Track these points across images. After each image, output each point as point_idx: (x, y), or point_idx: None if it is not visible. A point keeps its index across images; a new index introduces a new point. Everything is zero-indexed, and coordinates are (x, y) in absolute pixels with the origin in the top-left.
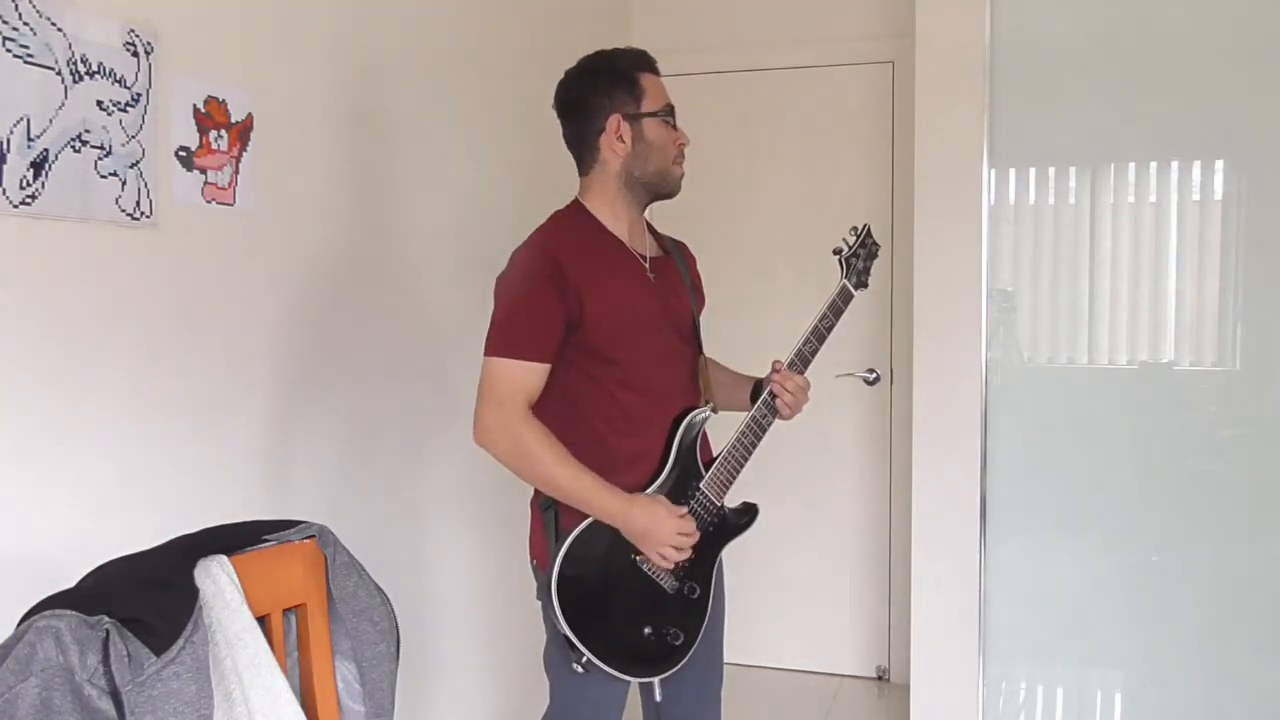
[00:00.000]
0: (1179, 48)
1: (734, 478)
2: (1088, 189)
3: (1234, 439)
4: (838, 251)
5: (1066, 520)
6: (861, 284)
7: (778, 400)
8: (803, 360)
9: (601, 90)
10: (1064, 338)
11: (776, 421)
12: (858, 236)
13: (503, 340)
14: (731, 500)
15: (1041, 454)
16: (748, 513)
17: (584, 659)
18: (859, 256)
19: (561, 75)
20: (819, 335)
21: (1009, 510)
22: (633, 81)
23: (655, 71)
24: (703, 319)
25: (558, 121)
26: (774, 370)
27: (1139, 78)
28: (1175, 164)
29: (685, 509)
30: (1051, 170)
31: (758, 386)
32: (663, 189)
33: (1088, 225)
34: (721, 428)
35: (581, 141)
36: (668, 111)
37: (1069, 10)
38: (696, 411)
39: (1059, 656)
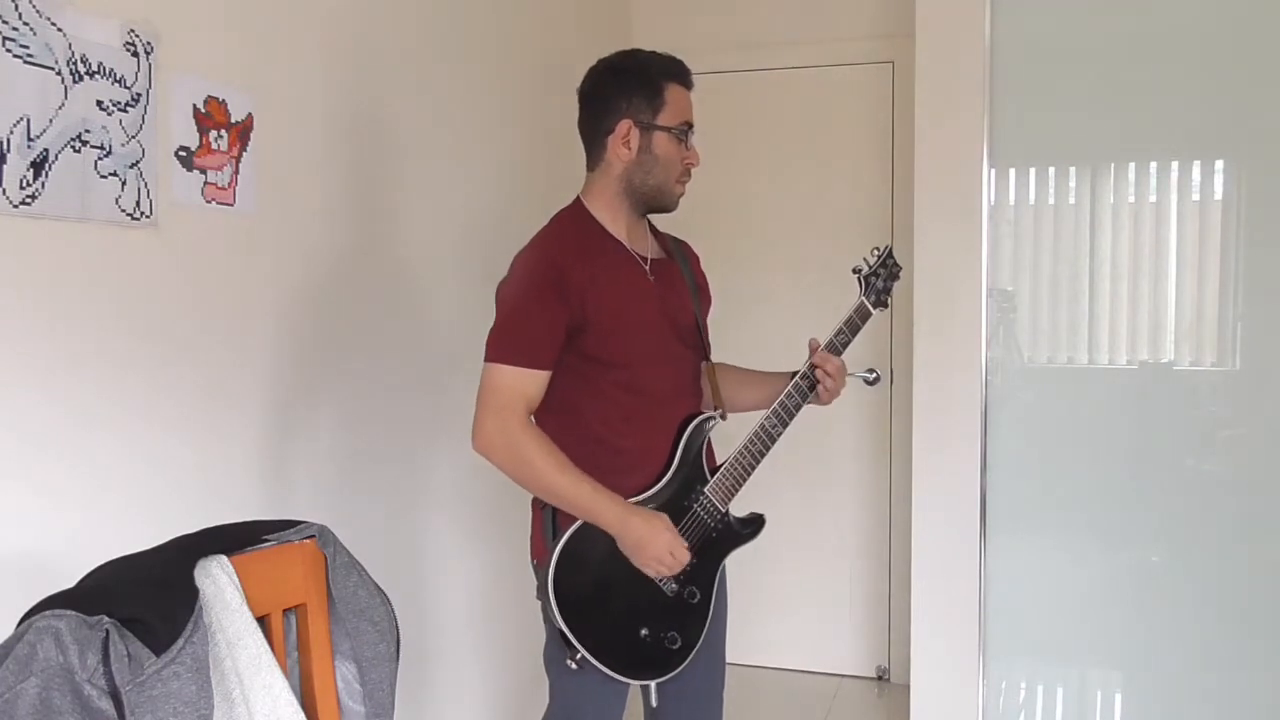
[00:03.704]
0: (1179, 48)
1: (740, 484)
2: (1088, 189)
3: (1234, 439)
4: (857, 270)
5: (1066, 520)
6: (880, 303)
7: (819, 386)
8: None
9: (622, 91)
10: (1064, 338)
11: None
12: (879, 257)
13: (503, 346)
14: (739, 509)
15: (1041, 454)
16: (753, 523)
17: (578, 655)
18: (879, 276)
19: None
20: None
21: (1009, 510)
22: (656, 90)
23: (686, 85)
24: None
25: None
26: (811, 350)
27: (1139, 78)
28: (1175, 164)
29: (684, 539)
30: (1051, 170)
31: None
32: (658, 204)
33: (1088, 225)
34: (727, 438)
35: (591, 135)
36: (684, 129)
37: (1069, 10)
38: (705, 416)
39: (1059, 656)
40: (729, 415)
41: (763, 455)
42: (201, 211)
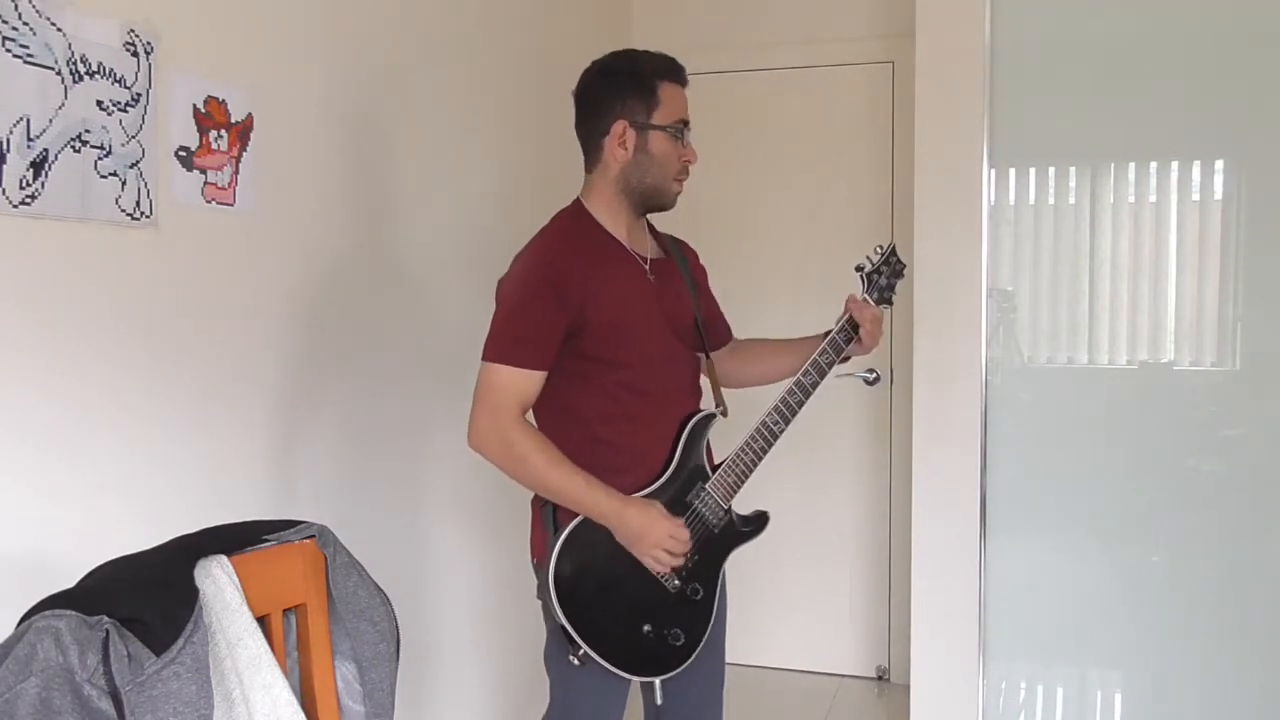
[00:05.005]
0: (1179, 48)
1: (743, 480)
2: (1088, 189)
3: (1234, 439)
4: (860, 268)
5: (1066, 520)
6: (884, 300)
7: (861, 330)
8: (818, 370)
9: (616, 92)
10: (1064, 338)
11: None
12: (882, 254)
13: (500, 346)
14: (741, 510)
15: (1041, 454)
16: (756, 520)
17: (581, 652)
18: (881, 274)
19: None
20: (835, 347)
21: (1009, 510)
22: (650, 90)
23: (680, 82)
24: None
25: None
26: (847, 307)
27: (1139, 78)
28: (1175, 164)
29: (682, 520)
30: (1051, 170)
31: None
32: (655, 203)
33: (1088, 225)
34: (727, 436)
35: (587, 137)
36: (679, 127)
37: (1069, 10)
38: (706, 414)
39: (1059, 656)
40: (731, 410)
41: (765, 451)
42: (201, 211)
